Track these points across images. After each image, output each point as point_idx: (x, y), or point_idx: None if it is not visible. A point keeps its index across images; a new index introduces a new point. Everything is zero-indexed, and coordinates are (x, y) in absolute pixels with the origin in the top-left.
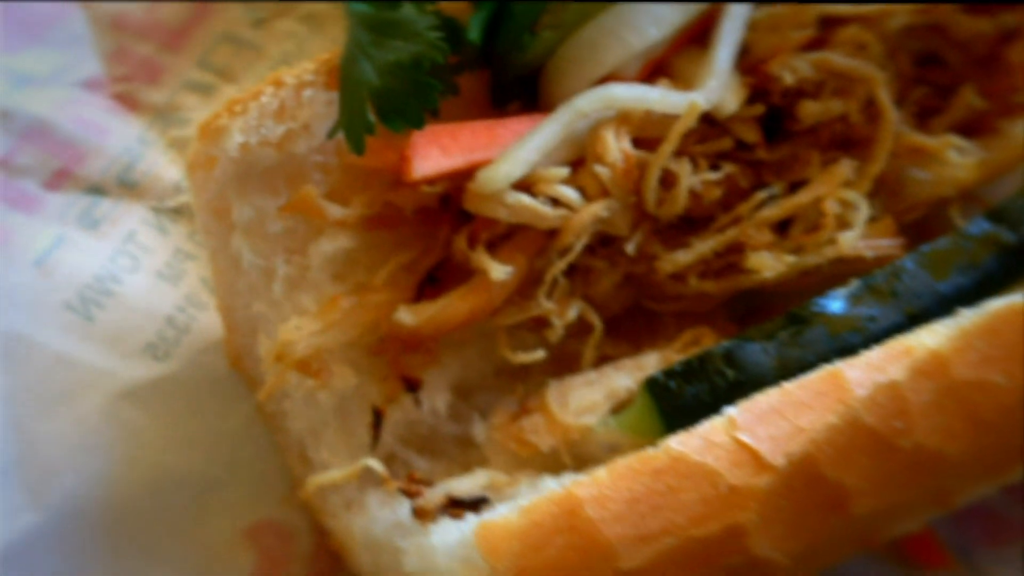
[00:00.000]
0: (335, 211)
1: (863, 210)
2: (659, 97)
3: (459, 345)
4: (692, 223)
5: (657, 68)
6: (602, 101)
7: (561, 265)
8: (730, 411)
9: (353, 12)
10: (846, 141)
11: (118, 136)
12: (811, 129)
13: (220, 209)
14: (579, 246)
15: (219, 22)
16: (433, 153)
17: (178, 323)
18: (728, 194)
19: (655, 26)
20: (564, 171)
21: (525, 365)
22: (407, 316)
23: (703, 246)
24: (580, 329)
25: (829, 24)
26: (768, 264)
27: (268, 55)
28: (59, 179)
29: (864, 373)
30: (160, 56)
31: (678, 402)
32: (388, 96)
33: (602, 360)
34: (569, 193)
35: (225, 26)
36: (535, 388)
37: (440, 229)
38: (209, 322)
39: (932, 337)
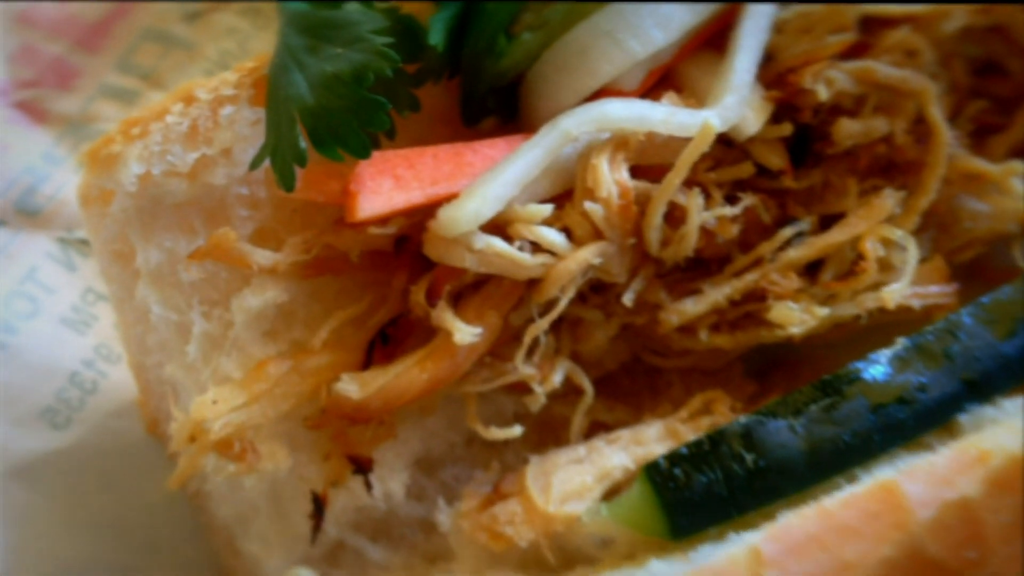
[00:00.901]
0: (262, 257)
1: (911, 252)
2: (664, 117)
3: (421, 413)
4: (703, 265)
5: (663, 79)
6: (594, 122)
7: (543, 324)
8: (753, 538)
9: (285, 10)
10: (889, 166)
11: (18, 153)
12: (848, 152)
13: (122, 252)
14: (565, 300)
15: (144, 16)
16: (384, 186)
17: (83, 382)
18: (747, 231)
19: (661, 28)
20: (547, 209)
21: None
22: (352, 387)
23: (716, 294)
24: (568, 389)
25: (872, 26)
26: (795, 317)
27: (203, 55)
28: None
29: (927, 488)
30: (73, 57)
31: (685, 494)
32: (323, 116)
33: (593, 428)
34: (552, 236)
35: (152, 21)
36: (512, 464)
37: (395, 277)
38: (122, 379)
39: (1011, 436)
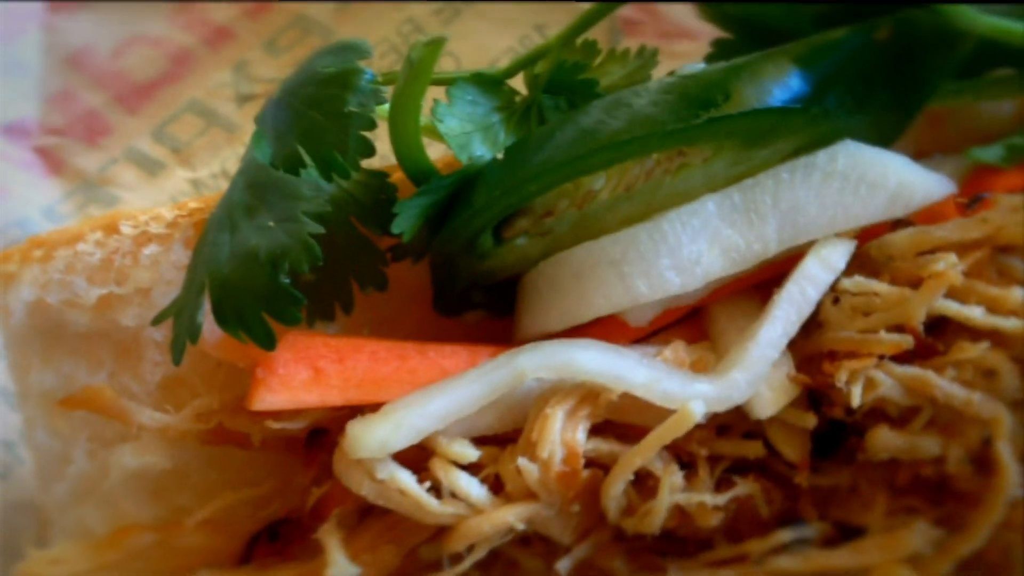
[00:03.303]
0: (148, 418)
1: None
2: (647, 381)
3: None
4: (677, 541)
5: (689, 316)
6: (558, 369)
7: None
8: None
9: (249, 153)
10: (939, 487)
11: (17, 201)
12: (886, 461)
13: (21, 365)
14: (468, 562)
15: (196, 88)
16: (298, 378)
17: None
18: (739, 517)
19: (678, 273)
20: (473, 454)
21: None
22: None
23: None
24: None
25: (945, 330)
26: None
27: (242, 140)
28: None
29: None
30: (110, 112)
31: None
32: (231, 293)
33: None
34: (470, 487)
35: (201, 95)
36: None
37: (300, 472)
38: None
39: None
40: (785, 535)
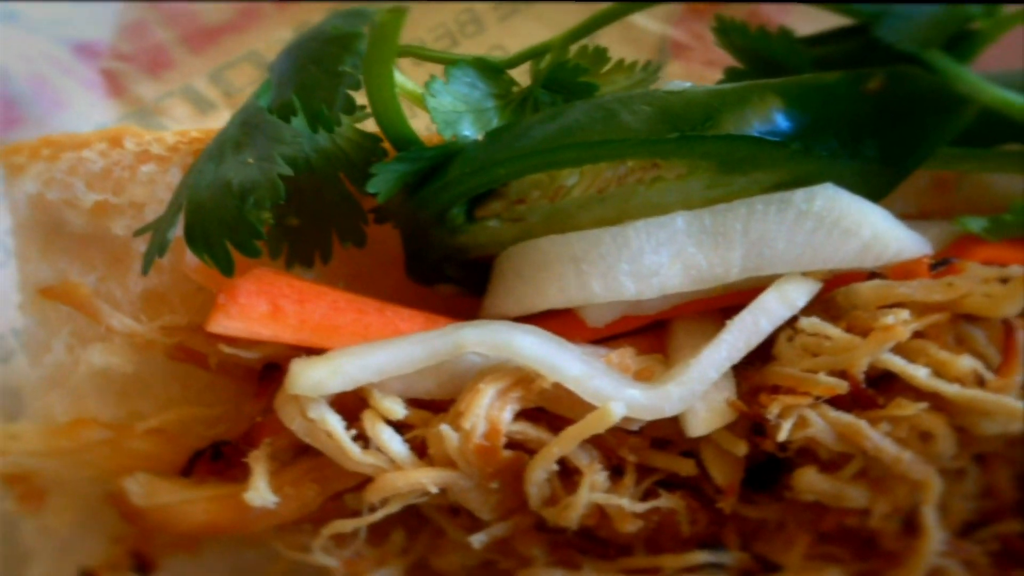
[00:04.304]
0: (118, 322)
1: None
2: (579, 375)
3: (236, 543)
4: (601, 542)
5: (651, 327)
6: (496, 347)
7: (355, 524)
8: None
9: (253, 96)
10: (867, 543)
11: (73, 115)
12: (816, 504)
13: (23, 254)
14: (377, 515)
15: (258, 40)
16: (256, 310)
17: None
18: (662, 530)
19: (635, 280)
20: (400, 411)
21: None
22: (137, 490)
23: None
24: None
25: (889, 385)
26: None
27: None
28: None
29: None
30: (175, 49)
31: None
32: (202, 217)
33: None
34: (393, 443)
35: (261, 46)
36: None
37: (251, 401)
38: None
39: None
40: (701, 556)
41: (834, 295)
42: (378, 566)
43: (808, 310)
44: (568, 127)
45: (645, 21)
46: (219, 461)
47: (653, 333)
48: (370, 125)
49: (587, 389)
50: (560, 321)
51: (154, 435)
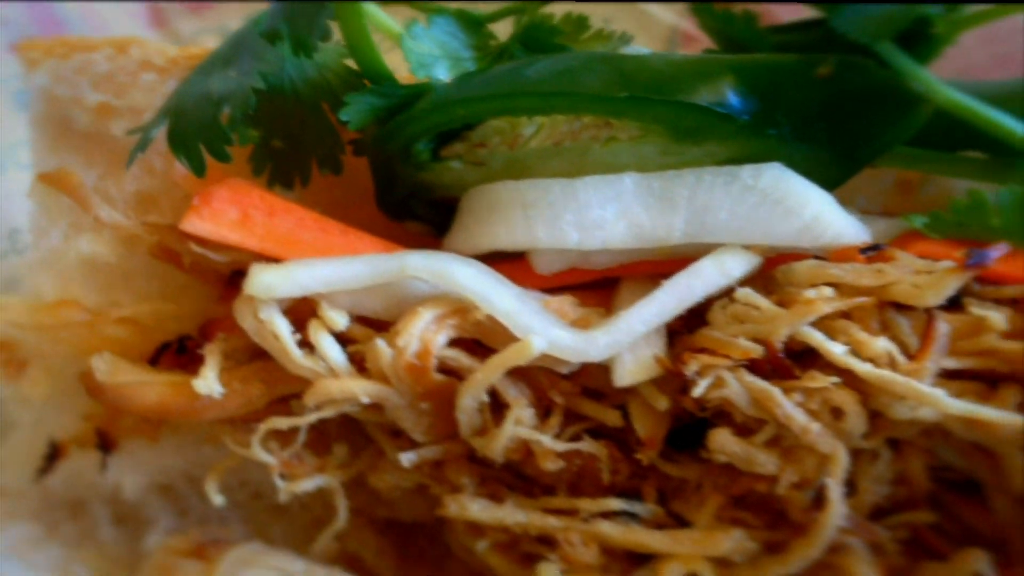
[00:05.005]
0: (105, 212)
1: None
2: (509, 309)
3: (193, 435)
4: (528, 480)
5: (600, 283)
6: (435, 274)
7: (290, 423)
8: None
9: (257, 17)
10: (773, 511)
11: (109, 34)
12: (730, 467)
13: (36, 147)
14: (309, 419)
15: None
16: (227, 216)
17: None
18: (584, 475)
19: (578, 231)
20: (343, 322)
21: None
22: (101, 367)
23: (512, 515)
24: None
25: (810, 360)
26: None
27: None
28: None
29: None
30: None
31: None
32: (182, 121)
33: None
34: (332, 351)
35: None
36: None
37: (217, 303)
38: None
39: None
40: (615, 504)
41: (774, 272)
42: (316, 472)
43: (748, 284)
44: (528, 77)
45: (658, 10)
46: (184, 356)
47: (603, 291)
48: None
49: (516, 323)
50: (512, 267)
51: (127, 323)
